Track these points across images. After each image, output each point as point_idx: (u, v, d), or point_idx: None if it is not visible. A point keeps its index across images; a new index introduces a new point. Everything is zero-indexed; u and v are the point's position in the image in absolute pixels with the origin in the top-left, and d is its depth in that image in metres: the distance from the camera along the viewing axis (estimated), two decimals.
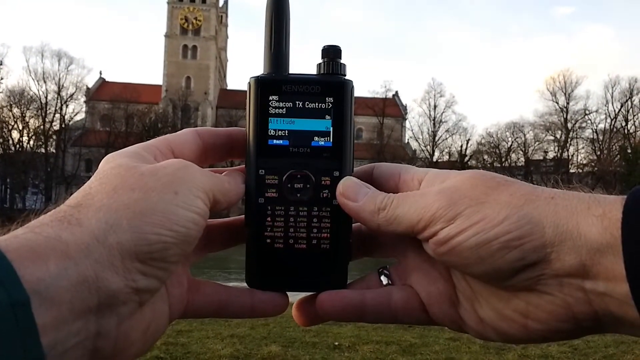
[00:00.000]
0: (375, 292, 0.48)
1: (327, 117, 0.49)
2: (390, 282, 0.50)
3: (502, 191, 0.42)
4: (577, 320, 0.40)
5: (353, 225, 0.50)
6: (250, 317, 0.49)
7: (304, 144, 0.49)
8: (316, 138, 0.49)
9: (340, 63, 0.50)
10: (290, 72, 0.51)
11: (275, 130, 0.49)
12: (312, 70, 0.51)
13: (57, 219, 0.37)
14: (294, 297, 0.51)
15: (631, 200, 0.38)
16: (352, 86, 0.50)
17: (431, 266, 0.48)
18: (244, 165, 0.50)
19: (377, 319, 0.49)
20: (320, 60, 0.51)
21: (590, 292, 0.39)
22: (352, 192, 0.47)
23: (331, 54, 0.50)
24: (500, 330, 0.44)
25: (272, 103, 0.49)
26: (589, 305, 0.39)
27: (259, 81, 0.49)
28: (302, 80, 0.49)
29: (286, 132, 0.49)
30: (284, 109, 0.49)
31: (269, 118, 0.49)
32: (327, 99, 0.49)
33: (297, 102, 0.49)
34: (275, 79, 0.49)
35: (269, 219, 0.49)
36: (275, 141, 0.49)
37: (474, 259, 0.41)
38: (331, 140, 0.49)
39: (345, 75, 0.50)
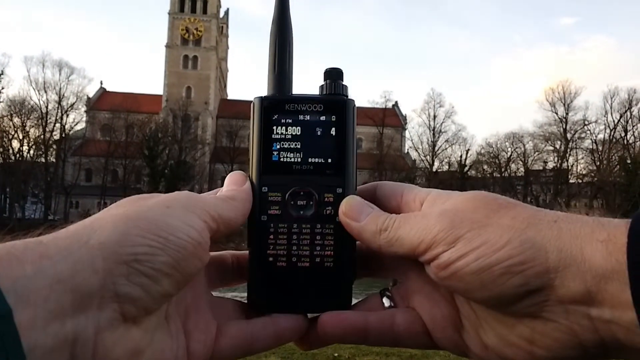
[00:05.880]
0: (378, 315, 0.47)
1: (330, 134, 0.50)
2: (392, 304, 0.49)
3: (504, 214, 0.42)
4: (583, 347, 0.39)
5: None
6: (276, 346, 0.48)
7: (307, 161, 0.50)
8: (319, 155, 0.50)
9: (342, 84, 0.52)
10: (293, 90, 0.52)
11: (278, 148, 0.50)
12: (312, 86, 0.53)
13: (48, 230, 0.38)
14: None
15: (636, 224, 0.37)
16: (354, 105, 0.51)
17: (434, 288, 0.47)
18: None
19: (379, 342, 0.48)
20: (322, 82, 0.52)
21: (597, 319, 0.38)
22: (355, 211, 0.47)
23: (333, 75, 0.52)
24: (505, 357, 0.43)
25: (275, 122, 0.50)
26: (596, 332, 0.38)
27: (262, 101, 0.51)
28: (305, 99, 0.51)
29: (289, 149, 0.50)
30: (287, 127, 0.50)
31: (273, 136, 0.50)
32: (329, 117, 0.50)
33: (300, 121, 0.51)
34: (279, 99, 0.51)
35: (271, 236, 0.48)
36: (278, 159, 0.50)
37: (475, 284, 0.40)
38: (334, 158, 0.50)
39: (347, 96, 0.52)
